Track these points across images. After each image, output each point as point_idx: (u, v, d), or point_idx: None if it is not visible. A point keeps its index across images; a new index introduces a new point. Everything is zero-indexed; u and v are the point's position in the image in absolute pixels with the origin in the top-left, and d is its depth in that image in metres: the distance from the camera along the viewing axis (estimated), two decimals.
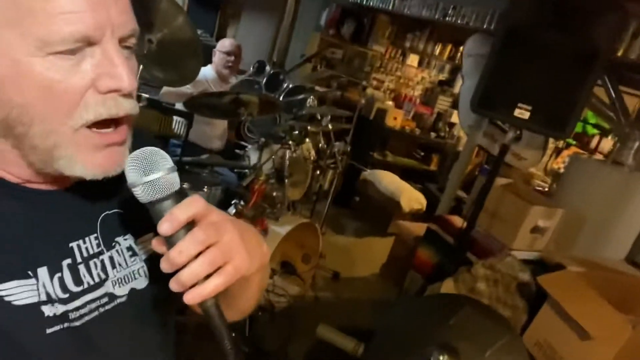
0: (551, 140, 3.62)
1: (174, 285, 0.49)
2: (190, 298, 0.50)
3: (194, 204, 0.50)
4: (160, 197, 0.51)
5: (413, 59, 5.67)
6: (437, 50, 5.59)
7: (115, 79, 0.51)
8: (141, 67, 2.08)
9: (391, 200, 4.43)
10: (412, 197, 4.52)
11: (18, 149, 0.52)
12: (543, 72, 2.10)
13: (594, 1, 2.06)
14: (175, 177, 0.52)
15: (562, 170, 4.33)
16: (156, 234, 0.56)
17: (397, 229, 3.74)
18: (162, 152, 0.53)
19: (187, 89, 2.70)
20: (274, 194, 2.55)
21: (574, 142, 4.77)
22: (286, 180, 2.62)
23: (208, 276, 0.50)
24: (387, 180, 4.65)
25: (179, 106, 2.88)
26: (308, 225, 2.68)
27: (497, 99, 2.22)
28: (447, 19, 3.37)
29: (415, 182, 4.96)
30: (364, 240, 4.23)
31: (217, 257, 0.50)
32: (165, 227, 0.49)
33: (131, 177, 0.51)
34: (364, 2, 4.36)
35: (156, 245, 0.52)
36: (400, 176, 4.81)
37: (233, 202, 2.35)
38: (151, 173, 0.51)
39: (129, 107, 0.54)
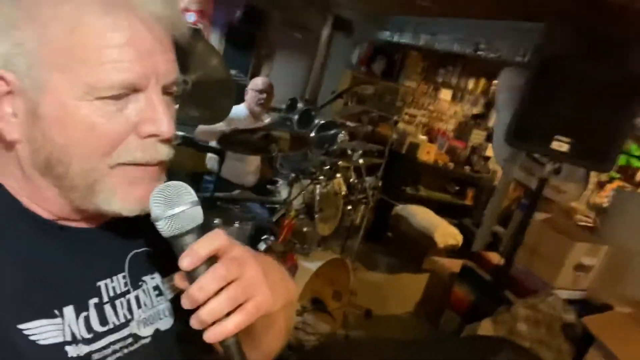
0: (593, 173, 3.49)
1: (194, 322, 0.49)
2: (211, 336, 0.49)
3: (216, 239, 0.50)
4: (182, 231, 0.51)
5: (446, 93, 5.66)
6: (470, 84, 5.56)
7: (156, 124, 0.53)
8: (176, 106, 2.17)
9: (425, 236, 4.33)
10: (446, 233, 4.41)
11: (57, 187, 0.54)
12: (581, 103, 2.05)
13: (630, 31, 2.01)
14: (198, 211, 0.52)
15: (605, 205, 4.14)
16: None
17: (431, 265, 3.63)
18: (186, 185, 0.53)
19: (221, 126, 2.77)
20: (305, 229, 2.54)
21: (618, 175, 4.57)
22: (316, 216, 2.60)
23: (229, 313, 0.49)
24: (421, 215, 4.56)
25: (211, 143, 2.95)
26: (339, 261, 2.64)
27: (533, 131, 2.17)
28: (478, 53, 3.37)
29: (451, 217, 4.85)
30: (397, 276, 4.13)
31: (238, 294, 0.49)
32: (185, 262, 0.48)
33: (155, 210, 0.51)
34: (395, 39, 4.43)
35: (179, 280, 0.52)
36: (435, 211, 4.71)
37: (263, 237, 2.35)
38: (174, 207, 0.51)
39: (165, 153, 0.55)
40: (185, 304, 0.49)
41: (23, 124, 0.51)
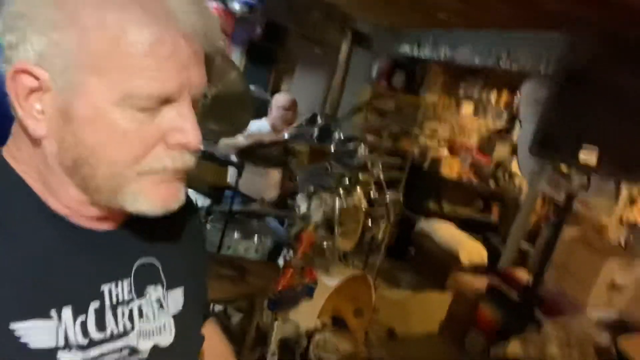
0: (625, 187, 3.35)
1: None
2: None
3: None
4: None
5: (468, 107, 5.57)
6: (493, 98, 5.47)
7: (185, 135, 0.53)
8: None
9: (449, 253, 4.22)
10: (472, 250, 4.29)
11: (81, 187, 0.54)
12: (610, 113, 1.97)
13: None
14: None
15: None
16: (187, 288, 0.66)
17: (456, 283, 3.52)
18: None
19: (243, 141, 2.76)
20: (325, 244, 2.49)
21: None
22: (337, 230, 2.55)
23: None
24: (444, 232, 4.46)
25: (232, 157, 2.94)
26: (360, 278, 2.57)
27: (559, 142, 2.10)
28: (500, 64, 3.30)
29: (476, 233, 4.72)
30: (420, 294, 4.02)
31: None
32: None
33: None
34: (414, 53, 4.39)
35: None
36: (459, 227, 4.60)
37: (282, 252, 2.31)
38: None
39: (191, 161, 0.56)
40: None
41: (52, 122, 0.51)
